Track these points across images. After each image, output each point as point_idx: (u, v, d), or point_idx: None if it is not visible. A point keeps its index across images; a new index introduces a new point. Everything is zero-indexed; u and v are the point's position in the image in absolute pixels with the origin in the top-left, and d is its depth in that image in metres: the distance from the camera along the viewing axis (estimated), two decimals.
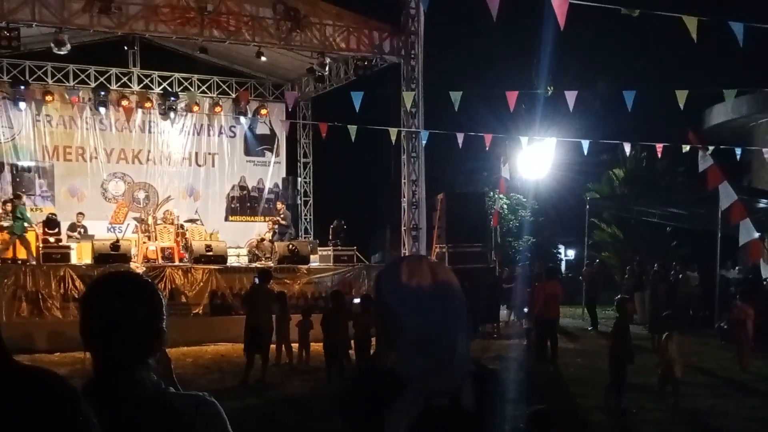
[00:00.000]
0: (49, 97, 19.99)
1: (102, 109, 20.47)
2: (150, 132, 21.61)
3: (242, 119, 22.50)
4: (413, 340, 1.92)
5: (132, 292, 1.90)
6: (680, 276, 20.70)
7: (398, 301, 1.94)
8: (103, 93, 20.39)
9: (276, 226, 19.84)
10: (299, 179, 23.17)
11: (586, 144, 19.68)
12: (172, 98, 21.32)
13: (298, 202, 22.93)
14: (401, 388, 1.90)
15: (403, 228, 19.11)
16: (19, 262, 15.88)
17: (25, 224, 17.03)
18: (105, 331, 1.85)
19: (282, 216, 20.13)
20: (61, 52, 16.60)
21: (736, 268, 20.39)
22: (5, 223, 16.44)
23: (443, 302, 1.93)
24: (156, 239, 17.93)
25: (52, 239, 16.87)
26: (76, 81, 20.56)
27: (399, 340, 1.95)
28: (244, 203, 22.84)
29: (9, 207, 16.93)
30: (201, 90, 22.06)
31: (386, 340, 2.08)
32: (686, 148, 18.48)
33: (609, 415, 9.47)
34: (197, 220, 19.61)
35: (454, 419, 1.91)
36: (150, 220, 18.66)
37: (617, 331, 10.15)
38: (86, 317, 1.89)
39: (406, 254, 18.29)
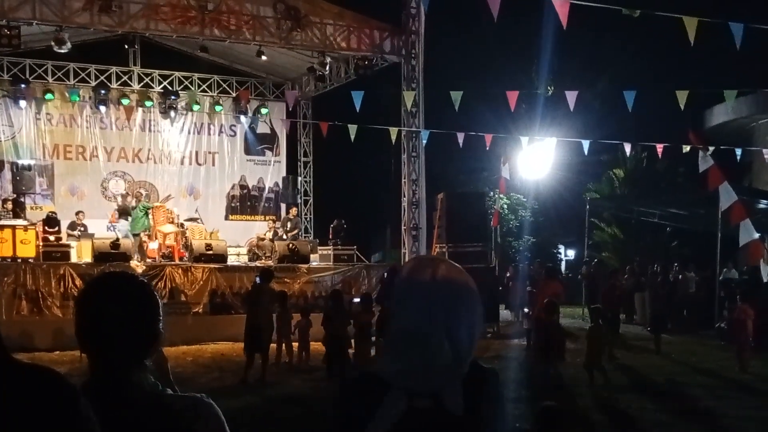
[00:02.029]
0: (49, 96, 20.01)
1: (102, 108, 20.46)
2: (150, 131, 21.60)
3: (242, 118, 22.49)
4: (396, 339, 1.88)
5: (128, 295, 1.88)
6: (679, 276, 20.69)
7: (395, 299, 1.93)
8: (103, 92, 20.39)
9: (281, 228, 19.77)
10: (299, 178, 23.16)
11: (586, 144, 19.67)
12: (173, 97, 21.32)
13: (299, 201, 22.92)
14: (386, 390, 1.84)
15: (403, 227, 19.10)
16: (19, 260, 15.85)
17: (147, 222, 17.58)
18: (101, 333, 1.83)
19: (294, 222, 20.06)
20: (62, 51, 16.61)
21: (731, 269, 20.34)
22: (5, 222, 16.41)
23: (435, 301, 1.86)
24: (156, 238, 17.92)
25: (52, 238, 16.84)
26: (77, 79, 20.55)
27: (388, 340, 1.93)
28: (244, 202, 22.84)
29: (9, 206, 16.87)
30: (201, 89, 22.05)
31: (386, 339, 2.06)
32: (687, 148, 18.47)
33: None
34: (197, 219, 19.60)
35: (437, 422, 1.83)
36: None
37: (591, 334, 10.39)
38: (82, 319, 1.86)
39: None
